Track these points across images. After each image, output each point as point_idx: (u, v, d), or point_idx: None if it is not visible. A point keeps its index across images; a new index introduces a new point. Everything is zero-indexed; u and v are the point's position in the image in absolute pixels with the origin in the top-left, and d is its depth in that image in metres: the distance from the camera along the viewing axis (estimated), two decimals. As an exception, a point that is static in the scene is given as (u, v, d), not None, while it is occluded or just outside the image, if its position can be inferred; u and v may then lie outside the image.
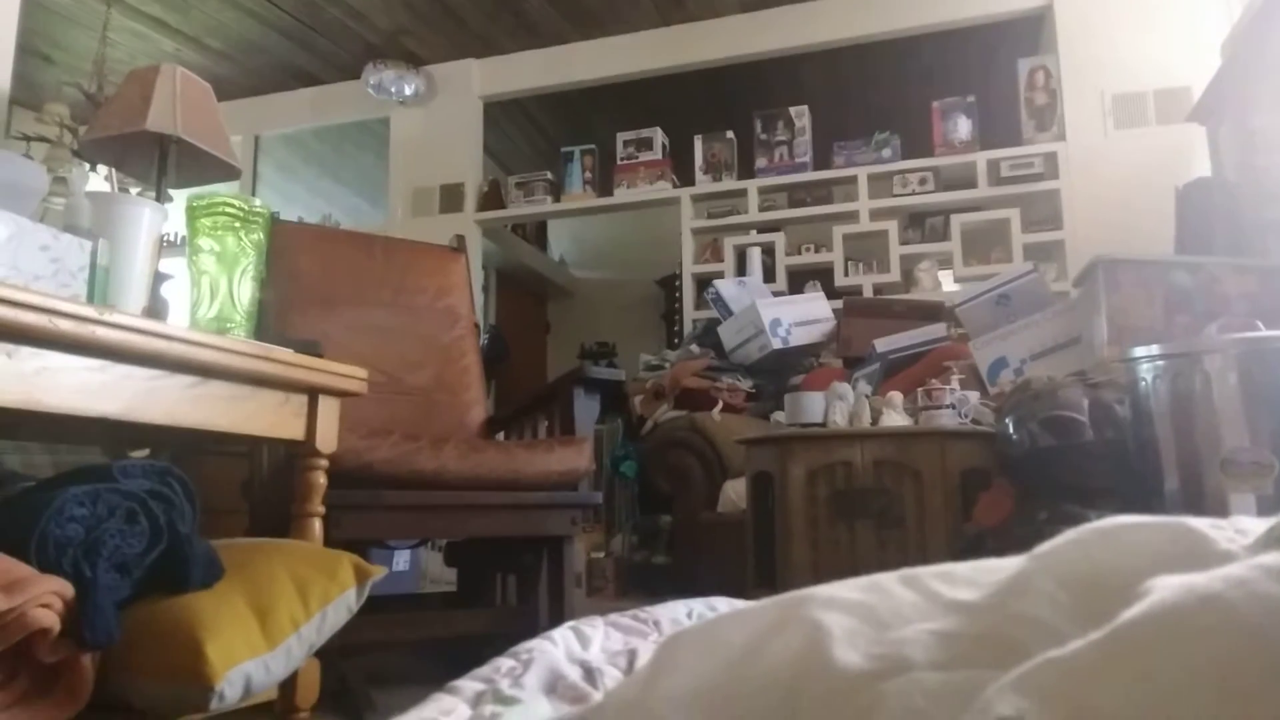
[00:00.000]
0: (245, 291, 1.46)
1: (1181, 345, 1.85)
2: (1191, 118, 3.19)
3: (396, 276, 2.06)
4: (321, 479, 1.39)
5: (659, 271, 6.17)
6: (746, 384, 3.65)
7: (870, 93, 5.20)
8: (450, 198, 5.00)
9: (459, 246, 2.25)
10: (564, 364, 6.71)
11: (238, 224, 1.45)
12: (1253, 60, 2.81)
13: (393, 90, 4.81)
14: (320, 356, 1.46)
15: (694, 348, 3.87)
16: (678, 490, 3.43)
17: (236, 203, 1.46)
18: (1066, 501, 1.88)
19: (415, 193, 5.05)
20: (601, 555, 3.40)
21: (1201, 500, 1.71)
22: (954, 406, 2.31)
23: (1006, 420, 2.03)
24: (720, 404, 3.51)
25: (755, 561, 2.43)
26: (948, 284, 4.25)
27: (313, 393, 1.43)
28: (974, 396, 2.36)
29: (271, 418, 1.37)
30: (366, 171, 5.98)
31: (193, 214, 1.47)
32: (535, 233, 6.54)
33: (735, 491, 3.14)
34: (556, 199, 4.91)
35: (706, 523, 3.20)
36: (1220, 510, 1.68)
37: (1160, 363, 1.84)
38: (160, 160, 1.89)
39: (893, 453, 2.24)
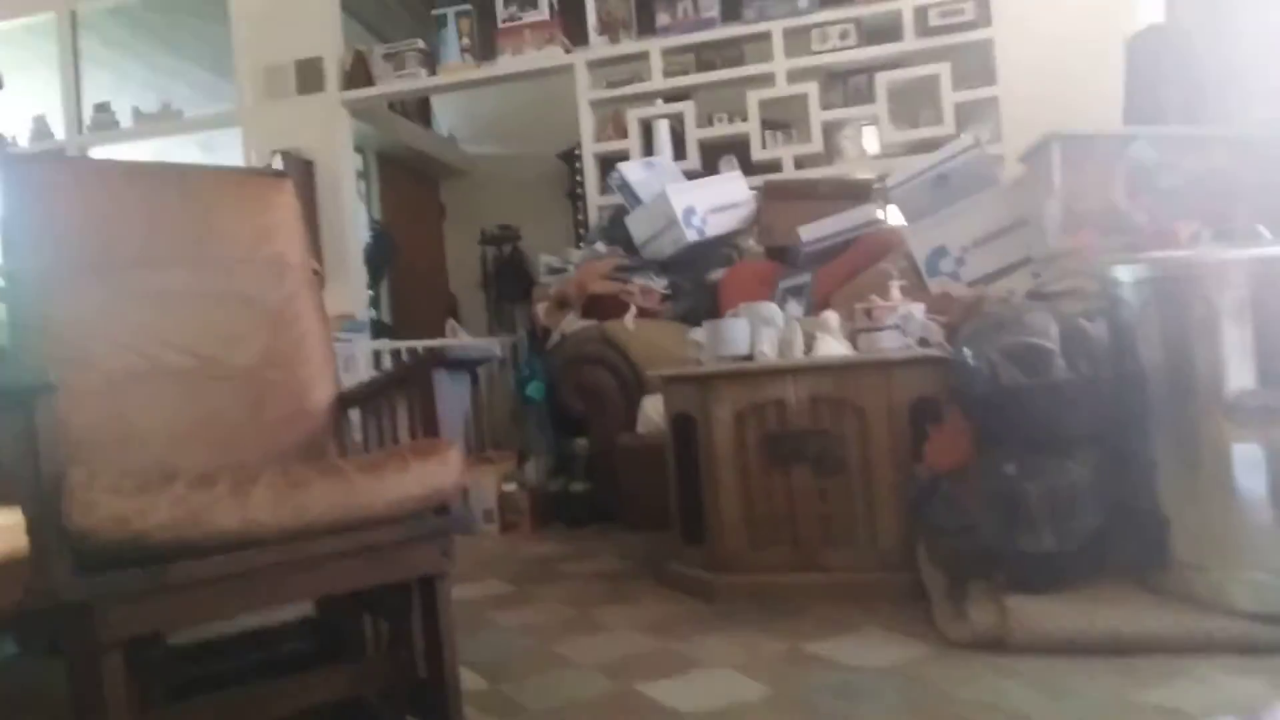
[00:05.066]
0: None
1: (1177, 262, 1.54)
2: (1144, -47, 2.80)
3: (199, 221, 1.58)
4: None
5: (560, 144, 5.58)
6: (660, 284, 3.29)
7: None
8: (308, 75, 4.32)
9: (283, 171, 1.76)
10: (465, 251, 6.18)
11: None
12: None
13: (222, -54, 4.02)
14: None
15: (600, 246, 3.45)
16: (592, 411, 3.11)
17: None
18: (1037, 449, 1.61)
19: (267, 71, 4.36)
20: (514, 487, 3.08)
21: (1198, 452, 1.44)
22: (898, 326, 2.00)
23: (965, 350, 1.72)
24: (633, 310, 3.14)
25: (681, 517, 2.14)
26: (873, 149, 3.88)
27: None
28: (919, 310, 2.05)
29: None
30: (214, 42, 5.12)
31: None
32: (417, 109, 5.84)
33: (655, 409, 2.83)
34: (432, 71, 4.27)
35: (626, 446, 2.90)
36: (1222, 464, 1.42)
37: (1149, 282, 1.54)
38: None
39: (831, 387, 1.93)
